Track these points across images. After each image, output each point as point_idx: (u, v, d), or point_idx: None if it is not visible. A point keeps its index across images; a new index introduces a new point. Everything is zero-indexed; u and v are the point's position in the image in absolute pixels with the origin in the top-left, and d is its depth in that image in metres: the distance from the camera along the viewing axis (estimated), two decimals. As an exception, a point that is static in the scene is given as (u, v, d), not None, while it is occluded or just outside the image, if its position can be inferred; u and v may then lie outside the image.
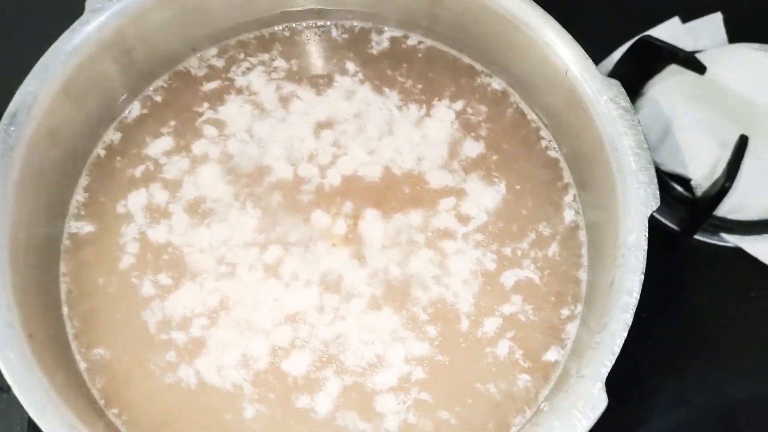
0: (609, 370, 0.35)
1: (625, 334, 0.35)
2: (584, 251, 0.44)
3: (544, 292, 0.43)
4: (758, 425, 0.49)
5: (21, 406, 0.49)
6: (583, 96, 0.42)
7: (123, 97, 0.48)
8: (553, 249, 0.44)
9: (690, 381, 0.50)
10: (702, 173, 0.51)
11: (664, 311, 0.52)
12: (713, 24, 0.58)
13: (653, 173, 0.39)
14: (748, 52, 0.54)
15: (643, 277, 0.36)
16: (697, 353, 0.51)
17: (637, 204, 0.38)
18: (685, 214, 0.52)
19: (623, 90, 0.41)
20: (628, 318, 0.36)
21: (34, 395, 0.35)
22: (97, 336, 0.42)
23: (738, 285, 0.52)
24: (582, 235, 0.44)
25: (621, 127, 0.40)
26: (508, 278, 0.43)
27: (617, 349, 0.35)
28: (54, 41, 0.43)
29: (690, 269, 0.53)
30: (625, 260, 0.37)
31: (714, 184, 0.49)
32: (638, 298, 0.36)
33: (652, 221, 0.53)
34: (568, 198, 0.46)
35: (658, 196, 0.38)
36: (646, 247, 0.37)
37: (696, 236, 0.52)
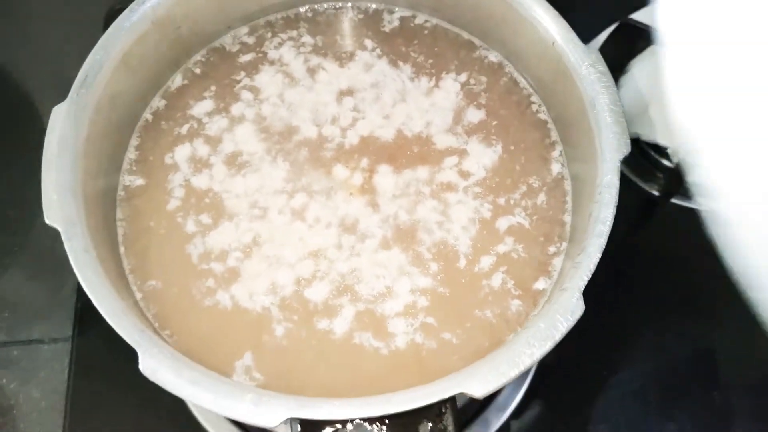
0: (586, 283, 0.40)
1: (599, 255, 0.41)
2: (569, 198, 0.49)
3: (533, 234, 0.48)
4: (729, 371, 0.53)
5: (63, 357, 0.57)
6: (568, 63, 0.48)
7: (169, 69, 0.54)
8: (542, 198, 0.49)
9: (669, 332, 0.54)
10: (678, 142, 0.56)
11: (645, 268, 0.57)
12: (693, 7, 0.63)
13: (624, 125, 0.45)
14: (722, 32, 0.59)
15: (615, 209, 0.42)
16: (675, 307, 0.55)
17: (611, 150, 0.44)
18: (665, 180, 0.58)
19: (601, 57, 0.47)
20: (602, 242, 0.41)
21: (110, 306, 0.40)
22: (150, 270, 0.47)
23: (712, 245, 0.57)
24: (567, 184, 0.50)
25: (599, 87, 0.46)
26: (502, 224, 0.48)
27: (593, 267, 0.40)
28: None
29: (669, 231, 0.57)
30: (601, 197, 0.43)
31: (689, 148, 0.55)
32: (611, 226, 0.41)
33: (635, 189, 0.59)
34: (555, 153, 0.51)
35: (629, 143, 0.44)
36: (618, 185, 0.43)
37: (674, 200, 0.58)
